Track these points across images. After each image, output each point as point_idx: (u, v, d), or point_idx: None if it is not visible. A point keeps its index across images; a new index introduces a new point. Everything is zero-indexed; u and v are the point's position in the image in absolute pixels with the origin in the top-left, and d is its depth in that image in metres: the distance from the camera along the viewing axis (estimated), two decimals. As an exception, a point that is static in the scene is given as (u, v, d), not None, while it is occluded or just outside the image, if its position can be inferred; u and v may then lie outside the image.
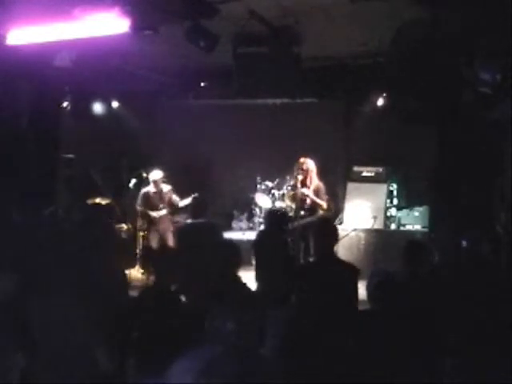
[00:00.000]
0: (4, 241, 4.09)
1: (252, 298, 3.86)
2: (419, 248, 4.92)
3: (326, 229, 5.09)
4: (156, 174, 8.45)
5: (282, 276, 5.10)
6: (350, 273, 4.64)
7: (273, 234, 5.81)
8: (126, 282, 4.59)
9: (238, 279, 4.09)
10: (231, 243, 4.87)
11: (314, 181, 7.73)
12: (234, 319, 3.15)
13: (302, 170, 7.75)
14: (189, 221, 6.48)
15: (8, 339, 3.38)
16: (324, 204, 7.58)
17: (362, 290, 4.22)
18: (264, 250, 5.55)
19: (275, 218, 6.08)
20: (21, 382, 3.40)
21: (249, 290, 3.99)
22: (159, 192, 8.47)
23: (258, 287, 5.37)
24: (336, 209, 9.40)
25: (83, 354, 3.43)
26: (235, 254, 4.13)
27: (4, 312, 3.43)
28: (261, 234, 6.32)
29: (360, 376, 3.30)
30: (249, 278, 5.14)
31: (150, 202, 8.46)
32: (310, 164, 7.81)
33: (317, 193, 7.70)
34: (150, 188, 8.47)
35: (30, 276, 3.73)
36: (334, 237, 4.97)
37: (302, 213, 7.39)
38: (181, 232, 6.65)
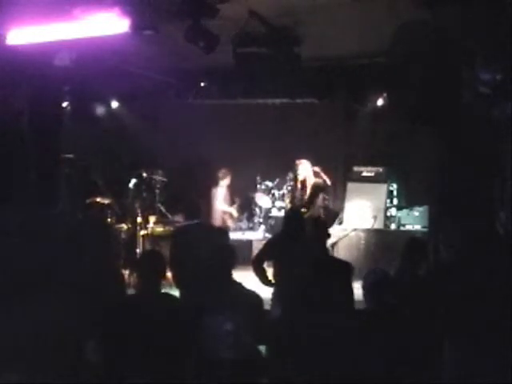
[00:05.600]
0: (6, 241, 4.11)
1: (250, 300, 3.85)
2: (418, 247, 4.94)
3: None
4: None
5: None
6: (341, 269, 4.62)
7: (298, 234, 5.65)
8: (121, 281, 4.61)
9: (235, 280, 4.08)
10: (227, 244, 4.85)
11: (311, 180, 7.87)
12: (232, 320, 3.17)
13: (299, 170, 7.89)
14: (185, 222, 6.49)
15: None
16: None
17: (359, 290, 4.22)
18: (290, 251, 5.40)
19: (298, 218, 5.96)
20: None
21: (247, 291, 3.98)
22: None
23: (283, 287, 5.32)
24: (336, 209, 9.43)
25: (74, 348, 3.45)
26: (231, 254, 4.13)
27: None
28: (283, 235, 5.96)
29: (356, 376, 3.30)
30: (249, 277, 5.15)
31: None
32: (306, 165, 7.93)
33: (315, 188, 7.81)
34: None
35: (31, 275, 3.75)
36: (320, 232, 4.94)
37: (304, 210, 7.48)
38: (177, 233, 6.67)
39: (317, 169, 8.02)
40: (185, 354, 3.66)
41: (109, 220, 8.62)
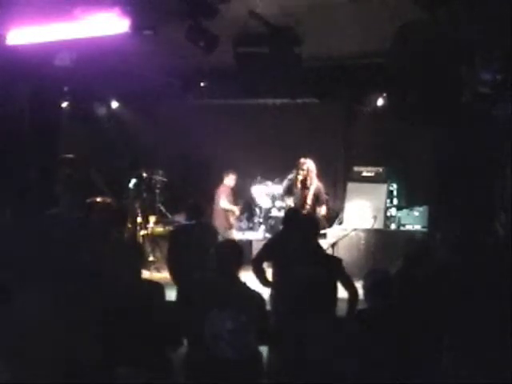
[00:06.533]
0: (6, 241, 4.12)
1: (254, 300, 3.85)
2: (418, 247, 4.95)
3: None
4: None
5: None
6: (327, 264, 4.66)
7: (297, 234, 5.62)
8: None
9: (238, 278, 4.08)
10: (236, 243, 4.84)
11: (314, 181, 7.89)
12: (233, 319, 3.17)
13: (303, 170, 7.90)
14: (184, 223, 6.52)
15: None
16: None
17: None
18: (290, 251, 5.37)
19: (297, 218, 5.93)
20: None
21: (248, 289, 3.98)
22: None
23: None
24: (336, 209, 9.43)
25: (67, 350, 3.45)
26: (238, 253, 4.12)
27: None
28: (282, 235, 5.82)
29: (355, 375, 3.30)
30: (248, 277, 5.14)
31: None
32: (310, 164, 7.94)
33: (317, 194, 7.84)
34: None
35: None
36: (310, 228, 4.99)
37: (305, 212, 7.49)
38: (174, 233, 6.70)
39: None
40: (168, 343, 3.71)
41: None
